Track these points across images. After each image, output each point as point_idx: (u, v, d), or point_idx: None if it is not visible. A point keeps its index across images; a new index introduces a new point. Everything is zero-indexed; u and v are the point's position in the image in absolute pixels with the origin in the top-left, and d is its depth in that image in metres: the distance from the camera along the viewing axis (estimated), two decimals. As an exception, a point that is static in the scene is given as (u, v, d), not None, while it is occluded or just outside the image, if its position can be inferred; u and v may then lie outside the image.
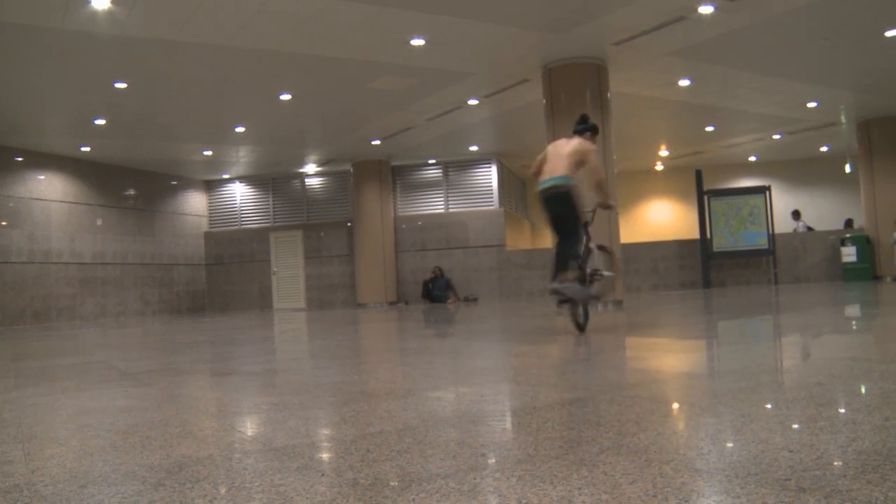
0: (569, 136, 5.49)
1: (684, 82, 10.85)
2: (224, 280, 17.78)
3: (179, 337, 7.75)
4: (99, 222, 14.93)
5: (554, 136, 9.46)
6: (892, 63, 10.40)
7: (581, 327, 5.37)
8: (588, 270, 5.39)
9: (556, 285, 5.06)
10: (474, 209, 16.38)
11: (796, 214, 15.01)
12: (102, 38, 7.78)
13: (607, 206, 5.67)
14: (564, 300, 5.19)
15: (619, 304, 9.22)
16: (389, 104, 11.40)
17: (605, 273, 5.63)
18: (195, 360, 4.97)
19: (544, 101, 9.67)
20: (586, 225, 5.51)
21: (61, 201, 14.12)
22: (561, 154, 5.30)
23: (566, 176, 5.16)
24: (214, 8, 7.20)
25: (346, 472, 1.72)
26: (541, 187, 5.31)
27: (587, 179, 5.48)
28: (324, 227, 17.33)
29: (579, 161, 5.27)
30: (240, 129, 12.77)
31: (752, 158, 18.70)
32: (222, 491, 1.61)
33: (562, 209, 5.21)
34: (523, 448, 1.87)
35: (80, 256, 14.41)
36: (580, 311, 5.37)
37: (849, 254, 14.21)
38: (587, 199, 5.45)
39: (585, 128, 5.45)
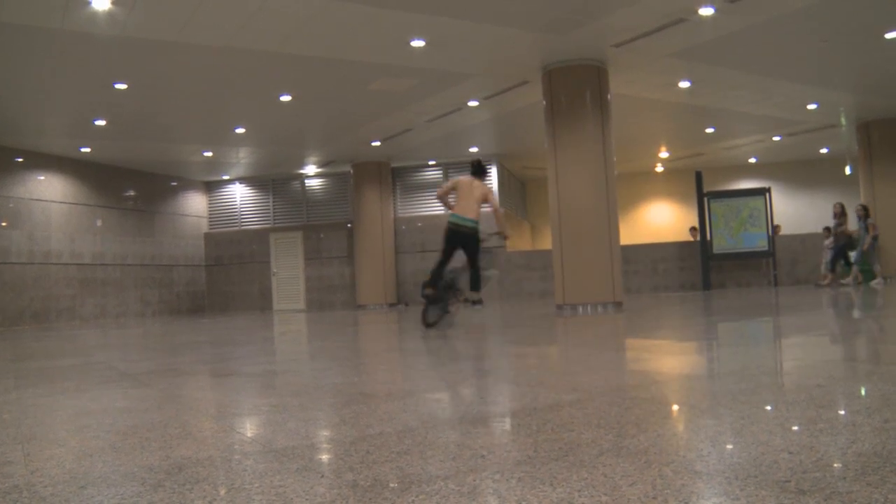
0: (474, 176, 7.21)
1: (684, 84, 10.86)
2: (224, 281, 17.79)
3: (179, 338, 7.75)
4: (99, 223, 14.93)
5: (554, 138, 9.50)
6: (892, 65, 10.41)
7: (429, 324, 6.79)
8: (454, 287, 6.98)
9: (427, 292, 6.77)
10: (474, 210, 16.35)
11: None
12: (102, 38, 7.78)
13: (502, 235, 7.32)
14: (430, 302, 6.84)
15: (618, 305, 9.22)
16: (389, 105, 11.40)
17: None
18: (195, 361, 4.97)
19: (544, 102, 9.67)
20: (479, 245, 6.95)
21: (61, 202, 14.13)
22: (473, 197, 6.87)
23: (476, 220, 6.80)
24: (214, 9, 7.21)
25: (345, 474, 1.72)
26: (455, 220, 6.83)
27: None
28: (324, 228, 17.34)
29: (482, 203, 6.93)
30: (240, 130, 12.77)
31: (752, 160, 18.71)
32: (222, 492, 1.61)
33: (465, 244, 6.80)
34: (523, 450, 1.87)
35: (80, 257, 14.41)
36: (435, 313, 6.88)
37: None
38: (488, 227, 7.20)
39: (481, 171, 7.25)
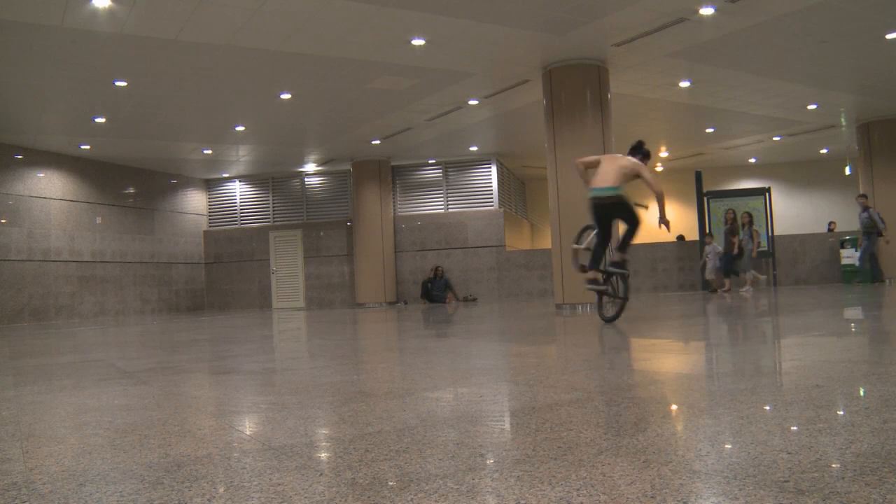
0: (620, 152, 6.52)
1: (684, 84, 10.86)
2: (223, 279, 17.78)
3: (178, 336, 7.75)
4: (98, 220, 14.92)
5: (554, 137, 9.50)
6: (892, 65, 10.41)
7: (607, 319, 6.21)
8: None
9: (590, 276, 6.24)
10: (474, 209, 16.37)
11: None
12: (103, 36, 7.78)
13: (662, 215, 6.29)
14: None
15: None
16: (389, 104, 11.40)
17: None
18: (194, 358, 4.97)
19: (544, 101, 9.67)
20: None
21: (61, 199, 14.12)
22: (614, 167, 6.17)
23: (618, 186, 6.08)
24: (214, 7, 7.20)
25: (344, 472, 1.72)
26: (594, 193, 6.16)
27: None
28: (323, 226, 17.34)
29: (629, 175, 6.17)
30: (240, 128, 12.77)
31: (752, 160, 18.71)
32: (220, 490, 1.61)
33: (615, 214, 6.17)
34: (522, 448, 1.87)
35: (80, 254, 14.41)
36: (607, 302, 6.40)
37: (848, 256, 14.22)
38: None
39: (639, 151, 6.43)
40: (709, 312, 7.93)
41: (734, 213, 13.38)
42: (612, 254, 6.38)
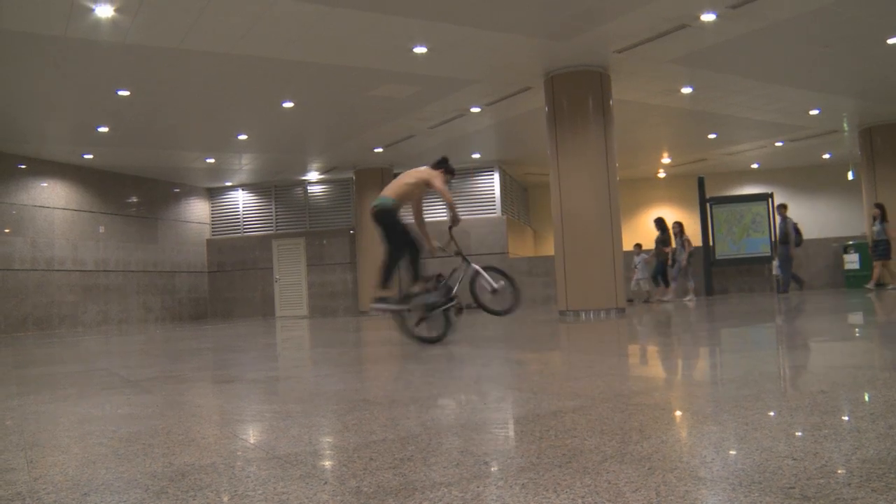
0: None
1: (686, 90, 10.87)
2: (226, 287, 17.79)
3: (181, 344, 7.76)
4: (101, 230, 14.96)
5: (556, 144, 9.51)
6: (893, 70, 10.41)
7: (423, 339, 5.86)
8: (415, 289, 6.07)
9: (379, 300, 5.84)
10: (477, 216, 16.37)
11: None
12: (105, 45, 7.81)
13: (455, 222, 6.39)
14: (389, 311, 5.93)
15: (621, 311, 9.21)
16: (392, 112, 11.43)
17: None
18: (197, 367, 4.97)
19: (546, 108, 9.69)
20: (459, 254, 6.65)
21: (64, 208, 14.16)
22: (400, 180, 5.91)
23: (391, 197, 5.76)
24: (217, 16, 7.24)
25: (348, 481, 1.71)
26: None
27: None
28: (326, 234, 17.35)
29: (416, 186, 5.89)
30: (242, 137, 12.80)
31: (755, 166, 18.70)
32: (225, 499, 1.61)
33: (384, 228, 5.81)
34: (526, 456, 1.86)
35: (83, 264, 14.43)
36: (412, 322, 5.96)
37: (851, 261, 14.19)
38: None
39: (442, 165, 6.06)
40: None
41: (664, 221, 13.30)
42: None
